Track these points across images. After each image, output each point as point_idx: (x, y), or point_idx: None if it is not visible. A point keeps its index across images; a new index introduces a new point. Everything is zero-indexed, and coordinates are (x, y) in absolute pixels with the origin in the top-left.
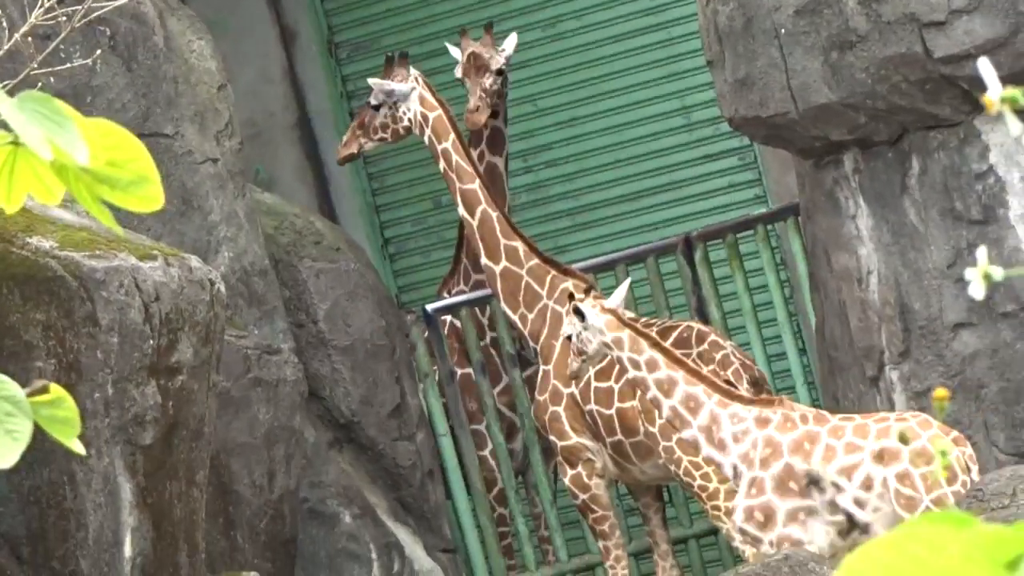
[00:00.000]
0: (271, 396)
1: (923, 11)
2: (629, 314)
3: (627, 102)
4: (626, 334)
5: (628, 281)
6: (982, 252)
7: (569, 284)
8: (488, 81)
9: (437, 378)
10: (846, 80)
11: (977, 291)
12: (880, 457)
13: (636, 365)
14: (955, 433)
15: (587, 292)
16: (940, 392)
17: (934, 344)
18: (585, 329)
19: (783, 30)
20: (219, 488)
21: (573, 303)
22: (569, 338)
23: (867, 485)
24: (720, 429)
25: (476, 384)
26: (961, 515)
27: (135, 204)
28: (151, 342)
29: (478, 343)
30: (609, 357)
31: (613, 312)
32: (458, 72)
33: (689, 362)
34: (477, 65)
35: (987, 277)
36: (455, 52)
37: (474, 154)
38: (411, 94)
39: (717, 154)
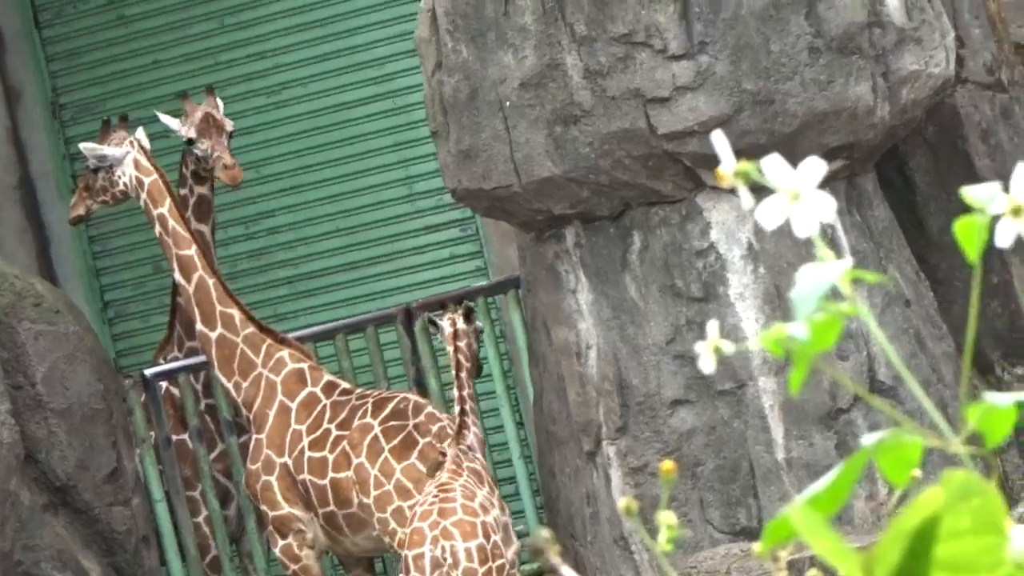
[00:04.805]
0: None
1: (648, 87)
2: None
3: (351, 171)
4: None
5: None
6: (713, 326)
7: (284, 353)
8: (226, 140)
9: (154, 443)
10: (570, 154)
11: (708, 365)
12: None
13: None
14: None
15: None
16: (666, 465)
17: (652, 420)
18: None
19: (508, 102)
20: None
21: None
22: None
23: None
24: None
25: (192, 450)
26: None
27: None
28: None
29: (195, 409)
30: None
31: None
32: (190, 133)
33: None
34: (216, 124)
35: (717, 351)
36: (166, 120)
37: None
38: (125, 158)
39: (439, 225)
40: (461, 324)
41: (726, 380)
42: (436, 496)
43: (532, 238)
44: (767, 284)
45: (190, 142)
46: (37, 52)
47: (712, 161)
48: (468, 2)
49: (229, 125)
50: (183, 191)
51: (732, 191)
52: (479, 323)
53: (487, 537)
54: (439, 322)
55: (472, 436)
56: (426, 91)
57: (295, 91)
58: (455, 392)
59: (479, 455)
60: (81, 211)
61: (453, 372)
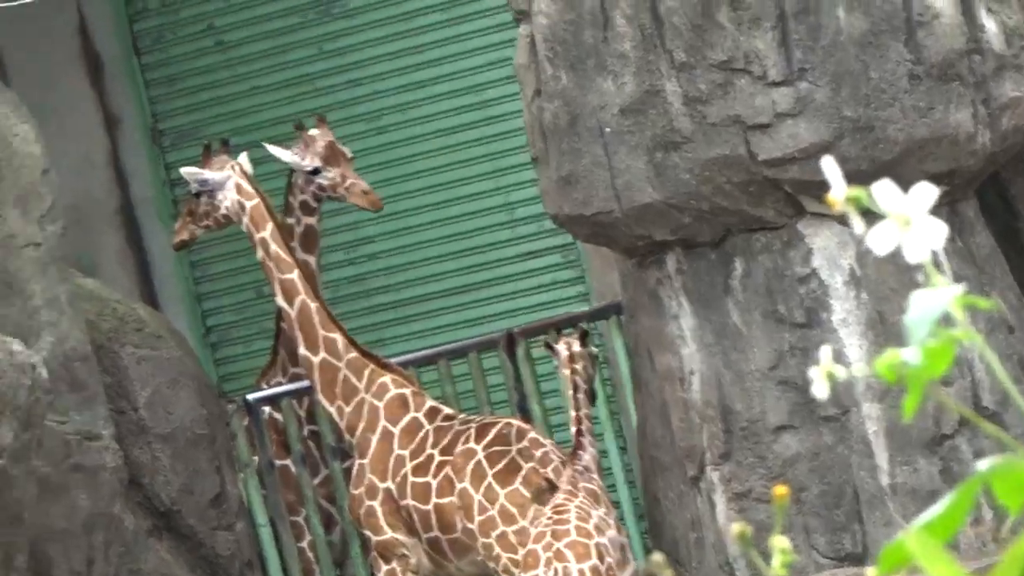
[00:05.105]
0: (91, 482)
1: (748, 114)
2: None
3: (451, 197)
4: None
5: None
6: (826, 351)
7: (387, 378)
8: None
9: (257, 468)
10: (670, 180)
11: (821, 391)
12: None
13: None
14: None
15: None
16: (780, 490)
17: (755, 446)
18: None
19: (608, 129)
20: (38, 574)
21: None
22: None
23: None
24: None
25: (295, 475)
26: None
27: None
28: None
29: (299, 434)
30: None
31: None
32: (315, 163)
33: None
34: (341, 152)
35: (831, 377)
36: (277, 152)
37: None
38: (226, 182)
39: (540, 251)
40: (576, 347)
41: (830, 406)
42: (551, 517)
43: (634, 264)
44: (870, 310)
45: (315, 171)
46: (136, 79)
47: (813, 187)
48: (567, 29)
49: (349, 152)
50: (290, 220)
51: (834, 217)
52: (594, 348)
53: (601, 559)
54: (555, 346)
55: (588, 456)
56: (526, 117)
57: (394, 117)
58: (571, 412)
59: (595, 475)
60: (185, 236)
61: (570, 393)
